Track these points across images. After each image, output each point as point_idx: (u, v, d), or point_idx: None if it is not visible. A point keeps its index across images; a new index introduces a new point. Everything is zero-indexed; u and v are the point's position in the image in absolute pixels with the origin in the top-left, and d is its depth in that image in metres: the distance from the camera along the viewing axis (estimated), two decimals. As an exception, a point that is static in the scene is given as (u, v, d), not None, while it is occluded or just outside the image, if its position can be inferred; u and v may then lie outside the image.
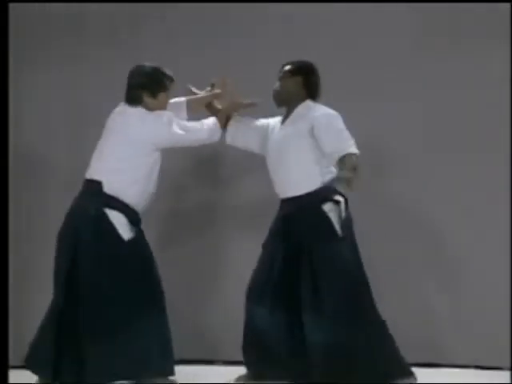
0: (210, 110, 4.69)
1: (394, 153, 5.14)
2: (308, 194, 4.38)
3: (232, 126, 4.68)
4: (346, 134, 4.38)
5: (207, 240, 5.33)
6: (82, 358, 4.21)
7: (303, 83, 4.52)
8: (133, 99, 4.42)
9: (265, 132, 4.62)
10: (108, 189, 4.32)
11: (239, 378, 4.52)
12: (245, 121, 4.69)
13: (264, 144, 4.60)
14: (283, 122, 4.56)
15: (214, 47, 5.31)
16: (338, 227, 4.35)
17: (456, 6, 5.08)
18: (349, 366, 4.23)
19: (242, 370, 4.53)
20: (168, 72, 4.49)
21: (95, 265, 4.26)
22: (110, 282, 4.25)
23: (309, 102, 4.52)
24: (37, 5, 5.45)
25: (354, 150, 4.33)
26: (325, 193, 4.38)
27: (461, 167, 5.09)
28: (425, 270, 5.09)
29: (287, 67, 4.54)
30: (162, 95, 4.45)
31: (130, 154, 4.35)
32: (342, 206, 4.40)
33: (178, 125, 4.44)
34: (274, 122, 4.63)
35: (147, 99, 4.42)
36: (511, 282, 4.94)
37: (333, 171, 4.39)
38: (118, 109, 4.47)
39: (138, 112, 4.41)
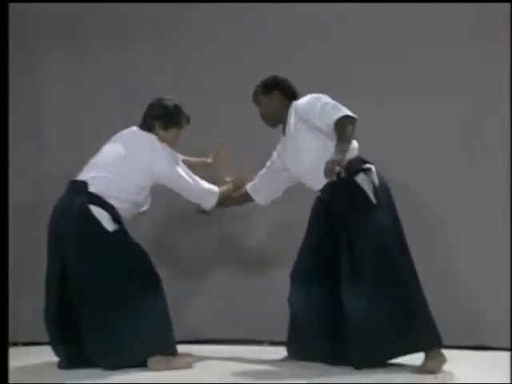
0: (219, 179, 4.88)
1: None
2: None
3: (253, 189, 4.83)
4: (331, 104, 4.32)
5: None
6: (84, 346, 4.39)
7: (281, 95, 4.55)
8: (145, 127, 4.56)
9: (278, 164, 4.68)
10: (93, 189, 4.41)
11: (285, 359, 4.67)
12: (259, 176, 4.81)
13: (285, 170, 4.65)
14: (284, 134, 4.59)
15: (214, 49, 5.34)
16: (371, 196, 4.32)
17: (456, 6, 5.09)
18: (388, 338, 4.24)
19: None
20: (186, 112, 4.64)
21: (82, 257, 4.34)
22: (99, 271, 4.32)
23: (293, 104, 4.52)
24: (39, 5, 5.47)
25: (341, 113, 4.25)
26: (353, 165, 4.34)
27: (460, 166, 5.10)
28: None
29: (259, 91, 4.58)
30: (173, 131, 4.60)
31: (128, 170, 4.45)
32: (374, 173, 4.39)
33: (185, 171, 4.62)
34: (279, 147, 4.71)
35: (159, 130, 4.56)
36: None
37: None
38: (127, 130, 4.60)
39: (149, 137, 4.55)
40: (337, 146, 4.15)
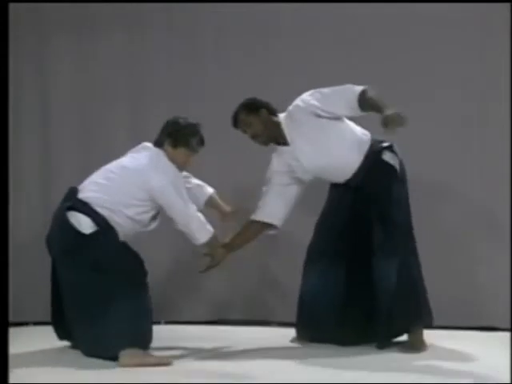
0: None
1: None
2: (365, 158, 4.43)
3: (265, 216, 4.57)
4: (336, 90, 4.36)
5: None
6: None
7: (267, 112, 4.49)
8: (156, 142, 4.46)
9: (286, 179, 4.57)
10: (81, 195, 4.35)
11: (294, 339, 4.69)
12: (266, 200, 4.59)
13: (296, 182, 4.57)
14: (286, 144, 4.51)
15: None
16: (399, 171, 4.46)
17: (456, 6, 5.09)
18: (415, 307, 4.38)
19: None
20: (202, 135, 4.48)
21: (63, 261, 4.32)
22: (79, 273, 4.26)
23: (283, 115, 4.52)
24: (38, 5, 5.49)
25: (354, 90, 4.30)
26: (377, 146, 4.45)
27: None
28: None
29: (241, 116, 4.50)
30: (182, 150, 4.44)
31: (124, 179, 4.35)
32: (396, 149, 4.49)
33: (183, 194, 4.40)
34: (281, 162, 4.55)
35: (167, 147, 4.43)
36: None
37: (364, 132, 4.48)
38: (140, 145, 4.52)
39: (156, 151, 4.43)
40: (382, 109, 4.13)
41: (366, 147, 4.46)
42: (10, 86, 4.63)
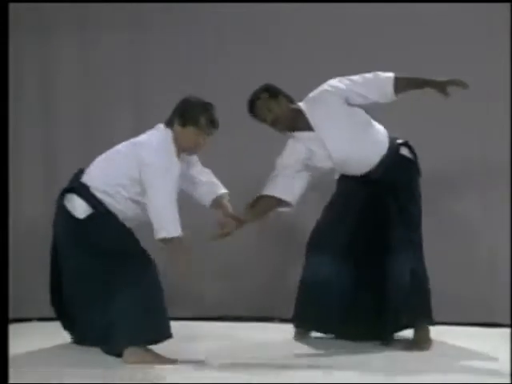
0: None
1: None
2: (386, 152, 4.43)
3: (279, 191, 4.43)
4: (367, 75, 4.39)
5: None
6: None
7: (284, 98, 4.43)
8: (167, 121, 4.28)
9: (300, 166, 4.46)
10: (84, 178, 4.25)
11: (297, 336, 4.64)
12: (279, 179, 4.45)
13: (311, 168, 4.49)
14: (310, 130, 4.41)
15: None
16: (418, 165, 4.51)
17: (456, 6, 5.09)
18: (423, 302, 4.39)
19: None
20: (214, 115, 4.25)
21: (62, 245, 4.26)
22: (76, 258, 4.18)
23: (301, 102, 4.47)
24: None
25: (387, 75, 4.37)
26: (393, 142, 4.47)
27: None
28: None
29: (261, 100, 4.39)
30: (190, 129, 4.21)
31: (121, 159, 4.23)
32: (412, 146, 4.53)
33: (170, 184, 4.13)
34: (301, 148, 4.45)
35: (177, 126, 4.23)
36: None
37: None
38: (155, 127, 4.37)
39: (160, 129, 4.26)
40: (428, 83, 4.30)
41: (386, 142, 4.45)
42: (9, 85, 4.61)
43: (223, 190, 4.47)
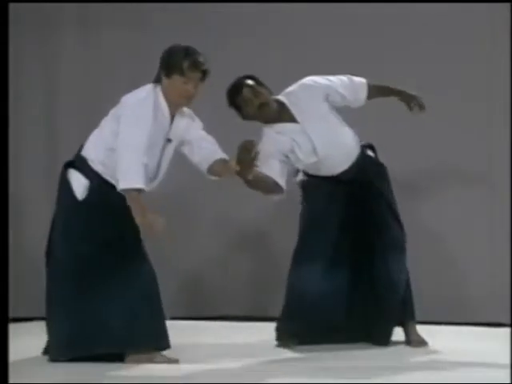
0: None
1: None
2: (360, 154, 4.45)
3: (275, 174, 4.36)
4: (342, 77, 4.41)
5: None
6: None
7: (267, 89, 4.39)
8: (155, 78, 4.04)
9: (292, 158, 4.42)
10: (83, 152, 4.05)
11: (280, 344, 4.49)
12: (272, 166, 4.36)
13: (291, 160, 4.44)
14: (294, 122, 4.39)
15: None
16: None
17: (456, 6, 5.09)
18: (409, 300, 4.42)
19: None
20: (198, 58, 3.97)
21: (55, 225, 4.07)
22: (68, 243, 3.98)
23: (281, 96, 4.44)
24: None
25: (361, 80, 4.40)
26: (365, 146, 4.49)
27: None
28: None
29: (248, 86, 4.32)
30: (176, 78, 3.94)
31: (113, 123, 3.97)
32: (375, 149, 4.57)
33: (140, 137, 3.88)
34: (283, 141, 4.38)
35: (164, 80, 3.99)
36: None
37: None
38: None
39: (146, 86, 4.02)
40: (397, 92, 4.34)
41: (358, 143, 4.47)
42: (9, 86, 4.61)
43: (221, 156, 4.14)
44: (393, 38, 5.21)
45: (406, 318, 4.41)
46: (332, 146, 4.37)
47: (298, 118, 4.39)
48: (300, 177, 4.57)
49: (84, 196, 3.99)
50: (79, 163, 4.05)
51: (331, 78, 4.42)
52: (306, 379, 3.70)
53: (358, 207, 4.40)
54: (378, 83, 4.39)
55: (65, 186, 4.05)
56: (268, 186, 4.36)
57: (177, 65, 3.95)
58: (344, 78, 4.41)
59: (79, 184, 4.01)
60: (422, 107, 4.31)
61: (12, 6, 4.71)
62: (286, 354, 4.31)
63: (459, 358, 4.05)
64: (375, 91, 4.40)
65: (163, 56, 4.04)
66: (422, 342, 4.37)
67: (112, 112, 4.05)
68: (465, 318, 4.99)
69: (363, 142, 4.49)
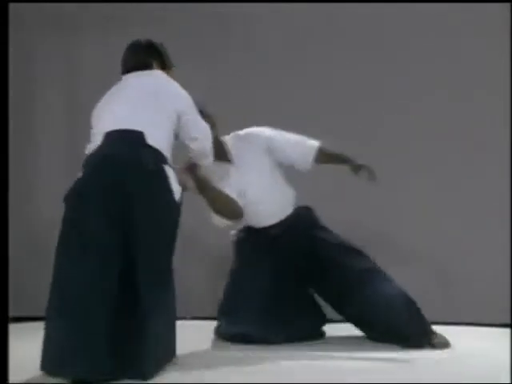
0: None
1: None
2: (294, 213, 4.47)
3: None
4: (295, 136, 4.42)
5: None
6: None
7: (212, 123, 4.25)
8: (145, 66, 3.94)
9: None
10: (152, 142, 3.66)
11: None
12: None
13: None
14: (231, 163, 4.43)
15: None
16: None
17: (456, 6, 5.09)
18: None
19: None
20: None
21: (153, 230, 3.57)
22: (166, 249, 3.69)
23: (228, 137, 4.47)
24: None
25: (312, 144, 4.40)
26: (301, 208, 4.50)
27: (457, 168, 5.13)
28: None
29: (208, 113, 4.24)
30: (172, 70, 4.06)
31: (164, 118, 3.77)
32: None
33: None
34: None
35: (165, 69, 4.00)
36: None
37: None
38: (132, 74, 3.92)
39: (164, 75, 3.95)
40: (347, 161, 4.36)
41: (292, 201, 4.48)
42: (9, 85, 4.62)
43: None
44: (392, 38, 5.21)
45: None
46: (263, 193, 4.38)
47: (235, 161, 4.41)
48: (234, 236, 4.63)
49: (178, 199, 3.74)
50: (161, 157, 3.69)
51: (283, 133, 4.42)
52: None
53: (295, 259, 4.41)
54: (330, 150, 4.40)
55: (164, 183, 3.67)
56: (237, 206, 4.36)
57: (169, 60, 4.04)
58: (297, 137, 4.42)
59: (177, 186, 3.74)
60: (371, 177, 4.30)
61: (12, 6, 4.75)
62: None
63: (459, 358, 4.05)
64: (325, 157, 4.41)
65: (161, 48, 4.06)
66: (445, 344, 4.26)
67: (159, 107, 3.78)
68: (465, 318, 4.99)
69: (301, 205, 4.49)
